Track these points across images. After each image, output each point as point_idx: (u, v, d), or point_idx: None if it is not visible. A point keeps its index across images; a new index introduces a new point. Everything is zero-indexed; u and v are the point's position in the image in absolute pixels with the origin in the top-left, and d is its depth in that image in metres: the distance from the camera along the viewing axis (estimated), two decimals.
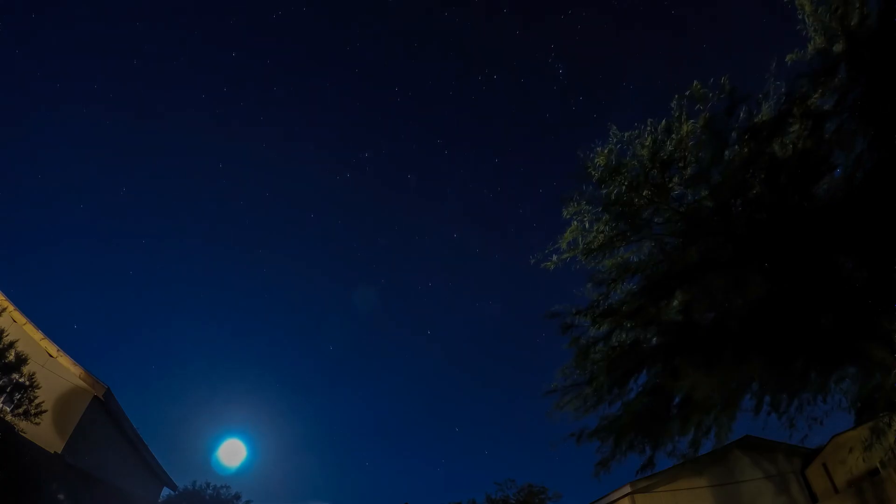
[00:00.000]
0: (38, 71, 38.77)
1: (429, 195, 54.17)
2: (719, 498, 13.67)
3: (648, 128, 8.91)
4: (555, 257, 9.81)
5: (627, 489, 13.48)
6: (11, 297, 12.84)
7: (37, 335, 12.81)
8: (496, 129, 49.89)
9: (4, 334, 9.35)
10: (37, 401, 9.60)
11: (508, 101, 47.46)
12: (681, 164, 8.84)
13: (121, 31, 40.20)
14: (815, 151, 7.93)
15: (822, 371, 8.42)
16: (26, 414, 9.41)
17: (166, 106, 45.42)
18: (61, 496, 10.82)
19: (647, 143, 8.87)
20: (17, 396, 9.49)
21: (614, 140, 9.19)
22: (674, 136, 8.74)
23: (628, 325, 9.62)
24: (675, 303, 9.28)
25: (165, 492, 20.93)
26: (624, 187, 9.07)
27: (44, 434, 11.05)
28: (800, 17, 8.06)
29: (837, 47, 7.68)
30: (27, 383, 9.54)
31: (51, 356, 12.74)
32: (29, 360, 9.72)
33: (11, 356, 9.36)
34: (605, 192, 9.31)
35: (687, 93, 8.63)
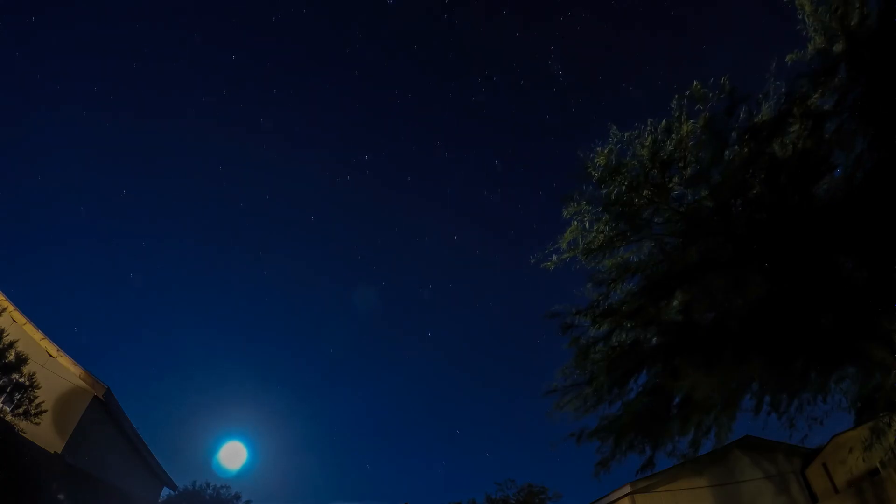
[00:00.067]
0: (39, 72, 38.78)
1: (429, 196, 54.21)
2: (719, 498, 13.67)
3: (648, 128, 8.91)
4: (555, 257, 9.81)
5: (627, 489, 13.48)
6: (11, 297, 12.84)
7: (37, 335, 12.81)
8: (496, 131, 49.94)
9: (4, 334, 9.35)
10: (37, 401, 9.60)
11: (508, 103, 47.50)
12: (681, 164, 8.83)
13: (121, 32, 40.24)
14: (815, 151, 7.94)
15: (822, 371, 8.42)
16: (26, 414, 9.41)
17: (166, 107, 45.48)
18: (61, 496, 10.82)
19: (647, 143, 8.87)
20: (17, 396, 9.49)
21: (614, 140, 9.19)
22: (674, 136, 8.74)
23: (628, 325, 9.62)
24: (675, 303, 9.28)
25: (165, 492, 20.94)
26: (624, 187, 9.07)
27: (44, 434, 11.05)
28: (800, 17, 8.06)
29: (837, 47, 7.69)
30: (27, 383, 9.54)
31: (51, 356, 12.74)
32: (29, 360, 9.72)
33: (11, 356, 9.36)
34: (605, 192, 9.32)
35: (687, 93, 8.64)
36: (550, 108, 48.34)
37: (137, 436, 15.94)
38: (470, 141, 50.70)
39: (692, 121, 8.66)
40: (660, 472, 12.57)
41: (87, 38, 40.08)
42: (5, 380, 9.34)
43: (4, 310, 11.75)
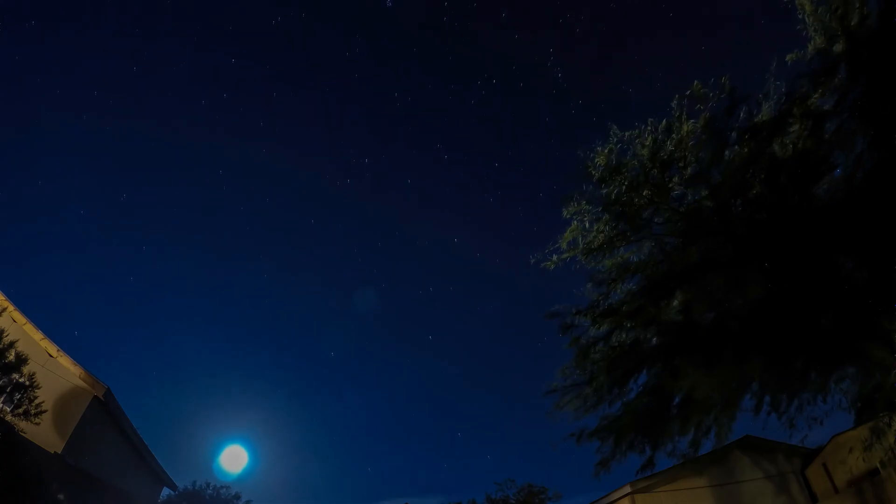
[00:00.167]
0: (39, 76, 38.85)
1: (428, 199, 54.28)
2: (719, 498, 13.67)
3: (648, 128, 8.91)
4: (555, 257, 9.81)
5: (627, 489, 13.48)
6: (11, 297, 12.84)
7: (37, 335, 12.81)
8: (495, 133, 49.97)
9: (4, 334, 9.34)
10: (37, 401, 9.60)
11: (507, 105, 47.50)
12: (681, 164, 8.83)
13: (121, 37, 40.29)
14: (815, 151, 7.93)
15: (822, 371, 8.42)
16: (26, 414, 9.40)
17: (166, 112, 45.56)
18: (61, 496, 10.81)
19: (648, 143, 8.87)
20: (17, 396, 9.48)
21: (614, 140, 9.18)
22: (674, 135, 8.74)
23: (628, 325, 9.61)
24: (675, 303, 9.27)
25: (166, 492, 20.94)
26: (624, 187, 9.06)
27: (44, 434, 11.05)
28: (800, 17, 8.05)
29: (837, 47, 7.68)
30: (27, 383, 9.53)
31: (51, 356, 12.74)
32: (29, 360, 9.71)
33: (11, 356, 9.36)
34: (605, 191, 9.31)
35: (687, 93, 8.63)
36: (550, 110, 48.40)
37: (137, 436, 15.94)
38: (469, 143, 50.79)
39: (692, 121, 8.66)
40: (660, 472, 12.57)
41: (87, 43, 40.18)
42: (5, 380, 9.34)
43: (4, 310, 11.74)
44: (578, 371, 9.89)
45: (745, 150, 8.38)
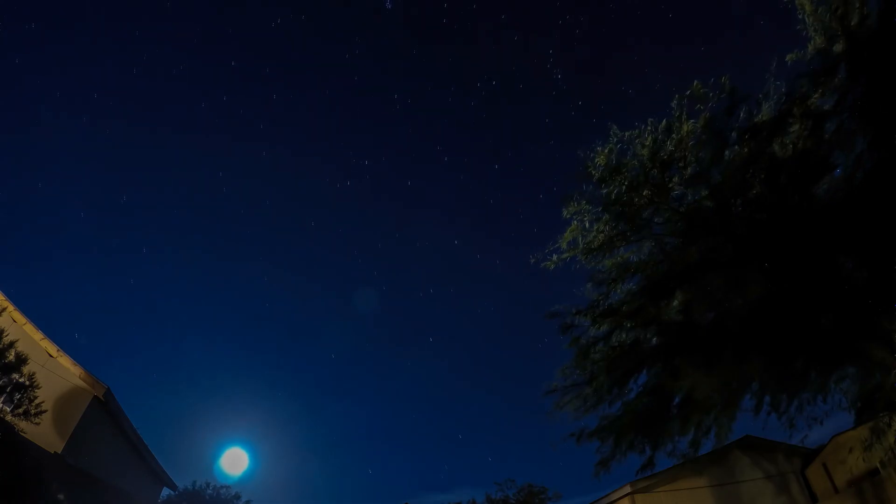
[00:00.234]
0: (40, 80, 38.86)
1: (428, 201, 54.30)
2: (719, 498, 13.67)
3: (648, 128, 8.91)
4: (555, 257, 9.81)
5: (627, 489, 13.47)
6: (11, 297, 12.84)
7: (37, 335, 12.81)
8: (495, 135, 49.97)
9: (4, 334, 9.34)
10: (37, 401, 9.60)
11: (507, 107, 47.51)
12: (681, 164, 8.83)
13: (121, 39, 40.30)
14: (815, 151, 7.93)
15: (822, 371, 8.42)
16: (26, 414, 9.40)
17: (166, 114, 45.56)
18: (61, 496, 10.81)
19: (648, 143, 8.87)
20: (17, 396, 9.48)
21: (615, 140, 9.18)
22: (674, 135, 8.74)
23: (628, 325, 9.61)
24: (675, 303, 9.27)
25: (166, 492, 20.94)
26: (624, 187, 9.06)
27: (44, 434, 11.05)
28: (800, 17, 8.05)
29: (837, 47, 7.68)
30: (27, 383, 9.53)
31: (51, 356, 12.74)
32: (29, 360, 9.71)
33: (11, 356, 9.35)
34: (605, 191, 9.31)
35: (687, 93, 8.63)
36: (549, 111, 48.41)
37: (137, 436, 15.94)
38: (469, 145, 50.77)
39: (692, 121, 8.65)
40: (660, 472, 12.57)
41: (87, 46, 40.19)
42: (5, 380, 9.33)
43: (4, 310, 11.74)
44: (578, 371, 9.89)
45: (745, 150, 8.38)
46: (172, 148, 47.71)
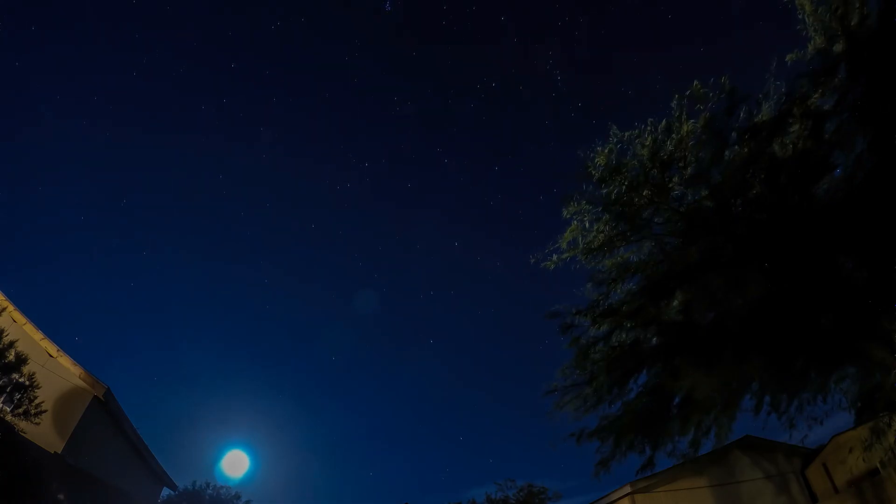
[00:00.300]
0: (41, 83, 38.88)
1: (429, 203, 54.32)
2: (719, 498, 13.67)
3: (648, 128, 8.90)
4: (555, 257, 9.80)
5: (627, 489, 13.47)
6: (11, 297, 12.84)
7: (37, 335, 12.81)
8: (495, 136, 49.97)
9: (4, 334, 9.34)
10: (37, 401, 9.60)
11: (507, 108, 47.52)
12: (681, 164, 8.82)
13: (121, 42, 40.30)
14: (815, 151, 7.93)
15: (822, 371, 8.42)
16: (26, 414, 9.40)
17: (166, 116, 45.59)
18: (61, 496, 10.81)
19: (648, 143, 8.86)
20: (17, 396, 9.48)
21: (614, 140, 9.18)
22: (674, 135, 8.73)
23: (628, 325, 9.61)
24: (675, 303, 9.27)
25: (166, 492, 20.93)
26: (624, 187, 9.06)
27: (44, 434, 11.05)
28: (800, 17, 8.05)
29: (837, 47, 7.67)
30: (27, 383, 9.53)
31: (51, 356, 12.74)
32: (29, 360, 9.71)
33: (11, 356, 9.36)
34: (605, 191, 9.30)
35: (687, 93, 8.62)
36: (549, 113, 48.41)
37: (137, 436, 15.94)
38: (469, 147, 50.78)
39: (692, 121, 8.65)
40: (660, 472, 12.57)
41: (87, 47, 40.25)
42: (5, 380, 9.33)
43: (4, 310, 11.75)
44: (578, 371, 9.89)
45: (745, 150, 8.38)
46: (172, 149, 47.79)
